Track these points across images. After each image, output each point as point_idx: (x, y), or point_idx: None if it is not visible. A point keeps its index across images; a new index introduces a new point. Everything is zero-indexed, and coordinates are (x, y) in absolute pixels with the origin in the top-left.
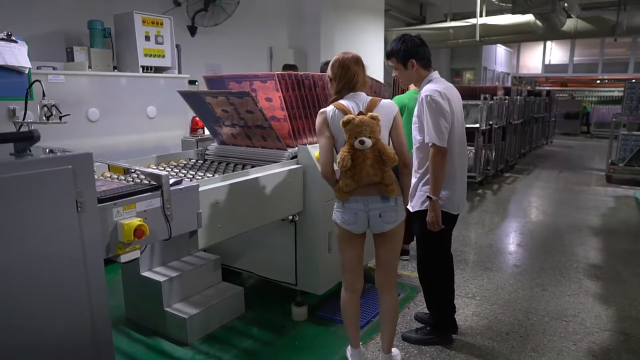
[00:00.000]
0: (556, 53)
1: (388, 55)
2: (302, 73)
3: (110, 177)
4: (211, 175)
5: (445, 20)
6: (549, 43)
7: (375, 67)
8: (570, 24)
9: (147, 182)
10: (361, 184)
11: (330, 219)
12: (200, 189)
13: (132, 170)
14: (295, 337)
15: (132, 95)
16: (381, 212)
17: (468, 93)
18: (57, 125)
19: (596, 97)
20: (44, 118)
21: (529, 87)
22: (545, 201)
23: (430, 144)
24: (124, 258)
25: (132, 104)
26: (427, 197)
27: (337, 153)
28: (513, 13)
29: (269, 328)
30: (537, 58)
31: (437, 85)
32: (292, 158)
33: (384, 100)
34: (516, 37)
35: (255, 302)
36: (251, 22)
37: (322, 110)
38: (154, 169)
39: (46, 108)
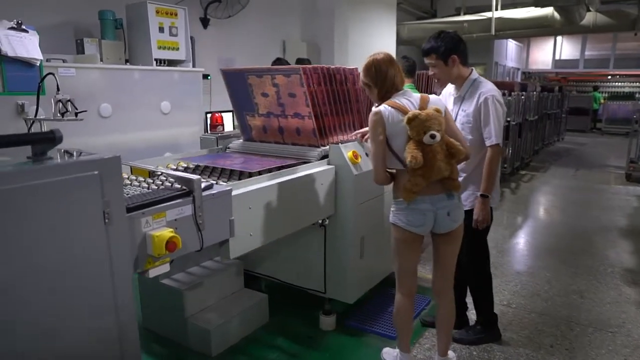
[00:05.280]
0: (567, 48)
1: (426, 52)
2: (333, 67)
3: (136, 179)
4: (236, 177)
5: (459, 14)
6: (559, 38)
7: None
8: (589, 17)
9: (178, 186)
10: (431, 181)
11: (363, 223)
12: (233, 193)
13: (159, 173)
14: (324, 348)
15: (146, 89)
16: (449, 211)
17: None
18: (68, 122)
19: (607, 92)
20: (59, 114)
21: (538, 83)
22: (566, 201)
23: (493, 144)
24: (153, 273)
25: (145, 99)
26: (482, 195)
27: (394, 154)
28: (535, 6)
29: (295, 338)
30: (547, 53)
31: (493, 85)
32: (322, 158)
33: (432, 96)
34: (532, 32)
35: (280, 310)
36: (264, 14)
37: (375, 110)
38: (177, 169)
39: (61, 104)
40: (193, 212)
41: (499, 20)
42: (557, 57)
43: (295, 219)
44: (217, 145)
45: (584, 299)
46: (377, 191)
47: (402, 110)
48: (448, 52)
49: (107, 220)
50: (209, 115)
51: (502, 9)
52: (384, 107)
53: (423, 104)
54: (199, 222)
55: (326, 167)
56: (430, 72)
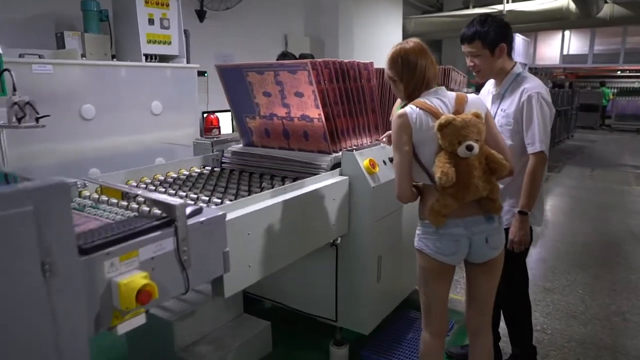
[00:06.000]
0: (575, 43)
1: (470, 38)
2: (347, 61)
3: (108, 201)
4: (234, 190)
5: (467, 7)
6: (567, 32)
7: None
8: (605, 9)
9: (158, 212)
10: (465, 202)
11: (380, 241)
12: (227, 217)
13: (133, 196)
14: None
15: (134, 88)
16: (487, 236)
17: None
18: (40, 125)
19: (616, 88)
20: (14, 120)
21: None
22: (587, 204)
23: (537, 151)
24: (123, 329)
25: (133, 99)
26: (520, 212)
27: (421, 166)
28: None
29: None
30: (554, 48)
31: (539, 82)
32: (333, 167)
33: (471, 96)
34: (546, 25)
35: (285, 339)
36: (264, 7)
37: (400, 112)
38: (165, 181)
39: (17, 107)
40: (176, 246)
41: (511, 13)
42: (565, 52)
43: (302, 243)
44: (213, 151)
45: (628, 322)
46: (397, 204)
47: (433, 113)
48: (497, 40)
49: (47, 273)
50: (205, 116)
51: (513, 1)
52: (410, 109)
53: (459, 106)
54: (183, 259)
55: (338, 178)
56: (469, 63)
